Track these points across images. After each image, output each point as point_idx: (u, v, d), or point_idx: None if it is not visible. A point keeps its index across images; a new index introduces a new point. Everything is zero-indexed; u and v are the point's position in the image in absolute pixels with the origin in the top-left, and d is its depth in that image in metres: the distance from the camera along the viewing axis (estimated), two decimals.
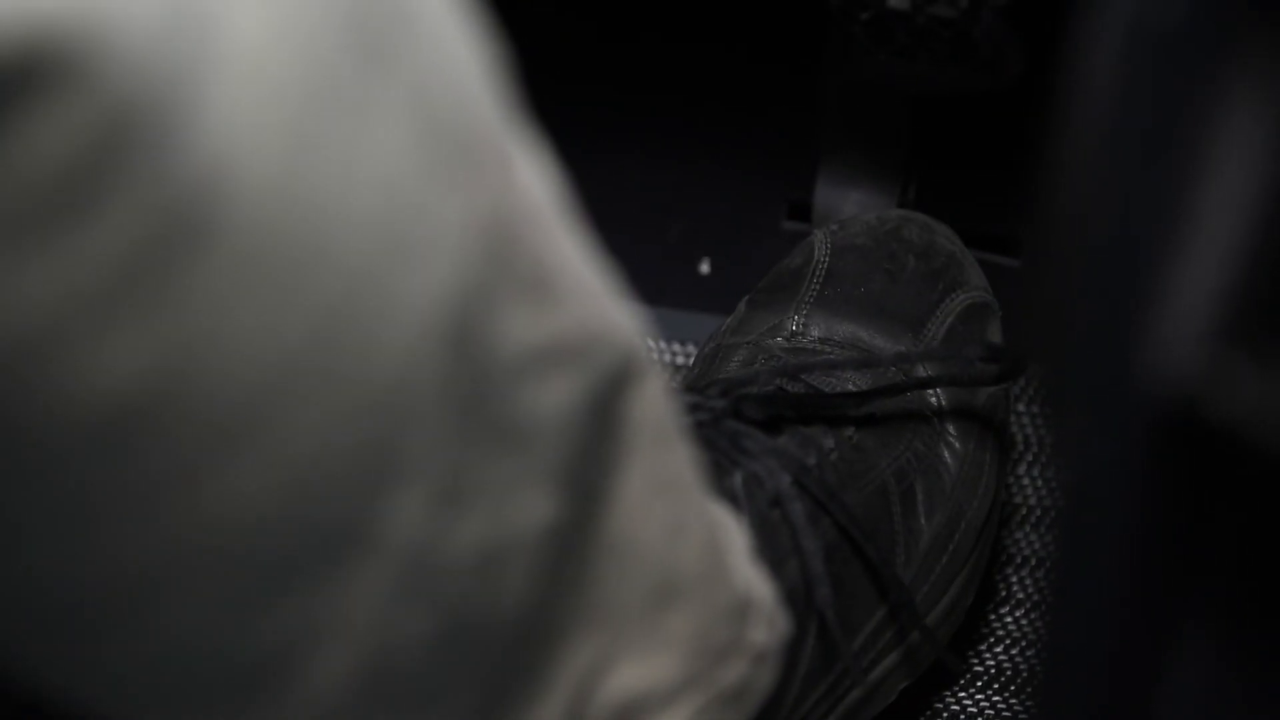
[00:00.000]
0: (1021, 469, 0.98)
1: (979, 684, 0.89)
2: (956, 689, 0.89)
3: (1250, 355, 0.38)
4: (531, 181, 0.49)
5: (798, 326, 0.86)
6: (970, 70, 0.95)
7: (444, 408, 0.46)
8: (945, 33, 0.92)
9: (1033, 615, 0.91)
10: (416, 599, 0.49)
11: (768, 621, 0.67)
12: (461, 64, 0.46)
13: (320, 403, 0.43)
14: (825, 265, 0.88)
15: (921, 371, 0.83)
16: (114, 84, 0.38)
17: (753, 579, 0.67)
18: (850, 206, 1.01)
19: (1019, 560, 0.94)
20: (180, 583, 0.45)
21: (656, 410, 0.55)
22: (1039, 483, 0.97)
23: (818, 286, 0.88)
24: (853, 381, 0.82)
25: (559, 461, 0.50)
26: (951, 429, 0.85)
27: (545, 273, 0.49)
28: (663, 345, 1.07)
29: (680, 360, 1.06)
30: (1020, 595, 0.93)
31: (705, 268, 1.08)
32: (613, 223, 1.11)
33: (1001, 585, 0.93)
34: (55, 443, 0.41)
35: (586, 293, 0.51)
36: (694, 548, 0.60)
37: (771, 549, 0.74)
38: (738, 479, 0.75)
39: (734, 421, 0.78)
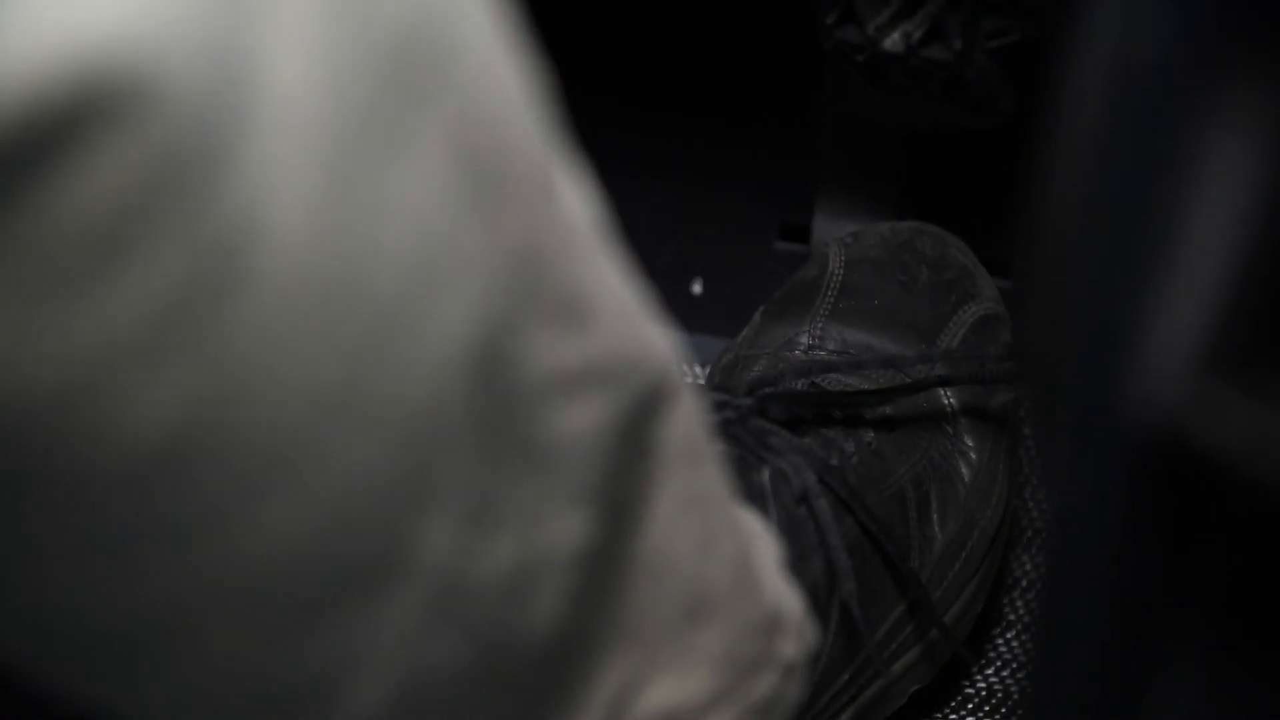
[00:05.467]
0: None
1: (970, 705, 0.90)
2: (949, 711, 0.89)
3: (1235, 383, 0.38)
4: (571, 206, 0.50)
5: (813, 339, 0.87)
6: (963, 110, 0.95)
7: (472, 433, 0.46)
8: (939, 74, 0.93)
9: (1024, 638, 0.91)
10: (448, 624, 0.49)
11: (797, 633, 0.67)
12: (506, 95, 0.46)
13: (354, 437, 0.44)
14: (840, 277, 0.89)
15: (939, 371, 0.85)
16: (162, 125, 0.37)
17: (782, 591, 0.67)
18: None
19: (1010, 583, 0.94)
20: (214, 618, 0.45)
21: (688, 429, 0.55)
22: (1029, 506, 0.97)
23: (833, 299, 0.88)
24: (872, 385, 0.83)
25: (589, 483, 0.51)
26: (967, 439, 0.86)
27: (578, 297, 0.49)
28: None
29: None
30: (1012, 618, 0.93)
31: (698, 288, 1.08)
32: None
33: (993, 608, 0.93)
34: (93, 485, 0.41)
35: (620, 316, 0.52)
36: (725, 562, 0.60)
37: (796, 545, 0.76)
38: (765, 475, 0.77)
39: (760, 420, 0.80)
